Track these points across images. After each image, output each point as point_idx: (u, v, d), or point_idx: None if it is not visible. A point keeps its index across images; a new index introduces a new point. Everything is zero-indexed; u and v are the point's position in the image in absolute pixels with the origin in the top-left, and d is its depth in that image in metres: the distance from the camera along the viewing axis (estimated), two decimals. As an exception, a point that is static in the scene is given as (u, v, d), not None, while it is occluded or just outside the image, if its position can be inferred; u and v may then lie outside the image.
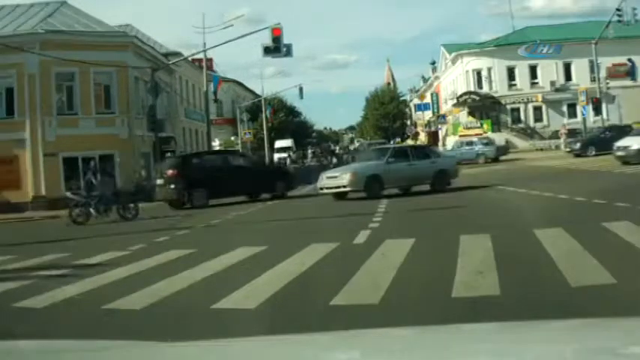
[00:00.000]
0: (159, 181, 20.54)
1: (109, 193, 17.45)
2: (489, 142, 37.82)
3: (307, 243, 9.57)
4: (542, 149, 42.18)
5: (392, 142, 77.43)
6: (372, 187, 17.77)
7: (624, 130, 30.18)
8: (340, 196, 18.19)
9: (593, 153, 30.48)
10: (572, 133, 37.39)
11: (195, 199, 19.37)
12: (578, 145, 32.60)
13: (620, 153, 23.24)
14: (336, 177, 18.60)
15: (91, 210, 16.84)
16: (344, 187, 18.02)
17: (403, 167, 18.48)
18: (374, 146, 34.68)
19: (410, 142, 60.54)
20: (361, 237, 10.08)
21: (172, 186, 19.54)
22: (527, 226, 9.56)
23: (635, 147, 22.46)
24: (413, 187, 19.06)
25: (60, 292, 7.29)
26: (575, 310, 4.97)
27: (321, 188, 18.84)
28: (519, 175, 23.50)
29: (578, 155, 31.26)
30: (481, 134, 42.45)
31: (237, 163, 22.13)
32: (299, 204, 19.37)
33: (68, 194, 18.29)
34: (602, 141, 31.27)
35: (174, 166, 20.54)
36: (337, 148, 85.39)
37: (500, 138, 43.38)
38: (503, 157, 36.51)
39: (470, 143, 37.54)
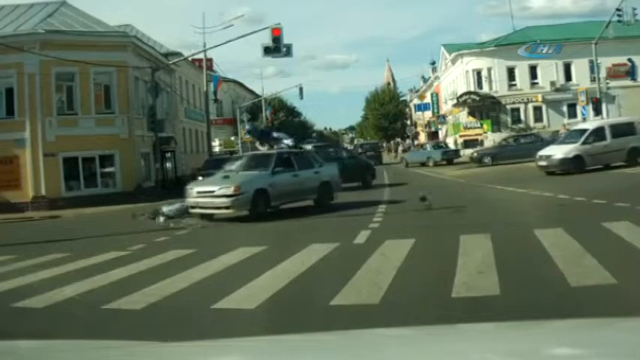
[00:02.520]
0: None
1: None
2: (439, 146, 42.48)
3: (307, 243, 9.58)
4: None
5: (392, 142, 77.63)
6: (257, 204, 14.25)
7: (540, 139, 32.01)
8: (210, 217, 14.64)
9: (490, 163, 32.17)
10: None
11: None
12: (476, 155, 34.87)
13: (542, 162, 22.10)
14: (212, 192, 14.32)
15: None
16: (226, 207, 14.11)
17: (289, 179, 15.29)
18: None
19: (409, 142, 60.43)
20: (361, 237, 10.09)
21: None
22: (527, 226, 9.57)
23: (558, 156, 21.50)
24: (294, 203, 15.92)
25: (60, 292, 7.30)
26: (575, 310, 4.98)
27: (192, 207, 14.84)
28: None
29: (479, 164, 33.01)
30: (481, 134, 42.70)
31: (340, 155, 24.44)
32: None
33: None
34: (502, 151, 33.27)
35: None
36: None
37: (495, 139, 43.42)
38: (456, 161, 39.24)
39: (422, 146, 45.38)
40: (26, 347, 2.36)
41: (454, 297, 5.77)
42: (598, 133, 21.71)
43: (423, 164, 38.85)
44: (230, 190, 14.01)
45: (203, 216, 14.63)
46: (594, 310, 4.95)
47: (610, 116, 35.37)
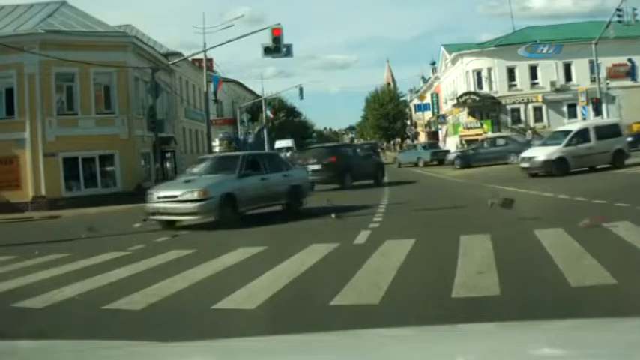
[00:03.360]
0: (314, 167, 22.49)
1: None
2: (429, 147, 43.94)
3: (307, 243, 9.58)
4: None
5: (392, 142, 77.66)
6: (225, 210, 13.19)
7: (517, 142, 32.70)
8: (172, 224, 13.49)
9: (459, 166, 32.75)
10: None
11: (347, 181, 22.60)
12: (449, 157, 35.81)
13: (524, 164, 21.80)
14: (175, 197, 13.22)
15: None
16: (191, 213, 13.05)
17: (257, 183, 14.31)
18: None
19: (410, 142, 60.37)
20: (361, 237, 10.08)
21: (332, 170, 22.40)
22: (527, 226, 9.56)
23: (540, 158, 21.19)
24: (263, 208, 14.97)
25: (60, 292, 7.30)
26: (575, 310, 4.97)
27: (152, 214, 13.59)
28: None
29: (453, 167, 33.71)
30: (481, 134, 42.76)
31: (362, 154, 26.28)
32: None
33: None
34: (474, 154, 33.79)
35: (330, 154, 23.46)
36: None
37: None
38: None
39: (414, 146, 47.29)
40: (26, 347, 2.36)
41: (454, 297, 5.77)
42: (582, 135, 21.32)
43: (415, 164, 39.33)
44: (195, 195, 12.94)
45: (164, 223, 13.45)
46: (594, 310, 4.95)
47: (610, 116, 35.40)
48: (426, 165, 38.12)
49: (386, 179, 25.68)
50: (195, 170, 15.04)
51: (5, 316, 6.43)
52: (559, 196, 14.15)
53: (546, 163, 20.88)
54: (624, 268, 6.28)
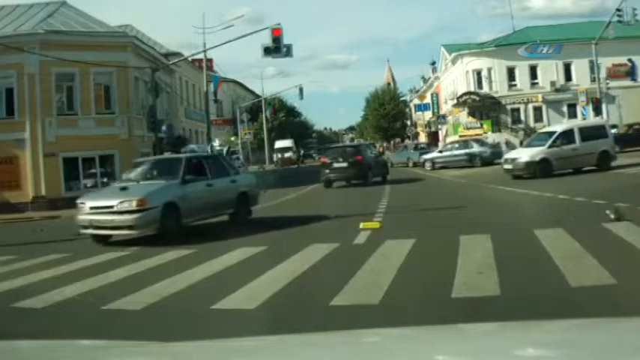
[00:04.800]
0: (341, 165, 24.05)
1: None
2: (419, 147, 44.47)
3: (307, 243, 9.57)
4: None
5: (392, 142, 77.63)
6: (167, 222, 11.50)
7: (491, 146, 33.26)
8: (105, 238, 11.79)
9: (430, 168, 32.99)
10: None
11: (369, 177, 23.91)
12: (420, 159, 36.04)
13: (507, 166, 21.42)
14: (110, 208, 11.45)
15: None
16: (128, 226, 11.30)
17: (202, 189, 12.68)
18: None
19: (408, 142, 60.36)
20: (361, 237, 10.08)
21: (357, 168, 23.80)
22: (528, 226, 9.56)
23: (523, 159, 20.78)
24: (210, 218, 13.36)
25: (60, 292, 7.31)
26: (575, 310, 4.97)
27: (84, 227, 11.80)
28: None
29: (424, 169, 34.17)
30: (481, 134, 42.75)
31: (374, 154, 28.18)
32: (299, 203, 19.36)
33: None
34: (439, 157, 33.91)
35: (356, 153, 24.82)
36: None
37: (501, 138, 43.53)
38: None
39: (405, 147, 48.84)
40: (26, 347, 2.36)
41: (454, 297, 5.77)
42: (566, 136, 21.00)
43: (405, 164, 39.72)
44: (133, 205, 11.24)
45: (97, 238, 11.79)
46: (594, 310, 4.95)
47: (610, 117, 35.40)
48: (415, 165, 38.43)
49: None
50: (132, 175, 13.10)
51: (5, 316, 6.43)
52: (559, 196, 14.14)
53: (529, 164, 20.58)
54: (624, 268, 6.28)
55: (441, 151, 35.14)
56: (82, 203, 12.16)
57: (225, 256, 9.14)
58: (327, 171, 24.42)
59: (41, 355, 2.12)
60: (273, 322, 5.47)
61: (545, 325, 2.31)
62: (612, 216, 9.61)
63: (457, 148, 34.06)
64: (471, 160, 31.98)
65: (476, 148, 32.90)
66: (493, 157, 31.68)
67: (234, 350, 2.07)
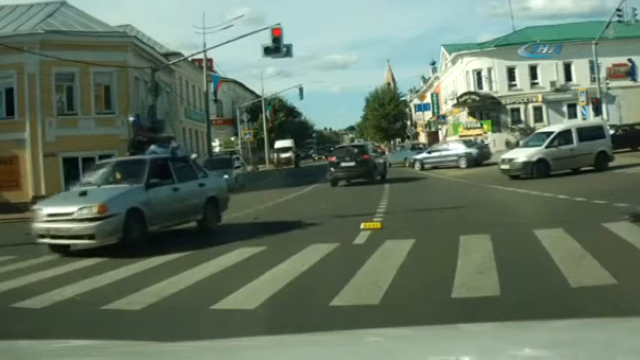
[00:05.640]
0: (349, 164, 24.58)
1: None
2: (416, 148, 44.71)
3: (307, 243, 9.57)
4: None
5: (391, 142, 77.63)
6: (131, 230, 10.67)
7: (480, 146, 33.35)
8: (64, 249, 10.93)
9: (418, 167, 33.30)
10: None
11: (375, 176, 24.90)
12: (410, 159, 36.69)
13: (504, 166, 21.24)
14: (69, 215, 10.47)
15: None
16: (88, 235, 10.36)
17: (168, 194, 11.76)
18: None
19: (408, 142, 60.36)
20: (361, 237, 10.07)
21: (364, 167, 24.48)
22: (527, 227, 9.56)
23: (520, 159, 20.64)
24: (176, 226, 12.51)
25: (60, 292, 7.31)
26: (575, 310, 4.97)
27: (41, 236, 10.78)
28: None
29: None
30: (481, 134, 42.80)
31: (376, 153, 28.94)
32: (299, 204, 19.36)
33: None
34: (426, 158, 34.13)
35: (363, 153, 25.45)
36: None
37: (501, 138, 43.59)
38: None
39: (403, 147, 49.31)
40: (26, 347, 2.36)
41: (454, 297, 5.77)
42: (564, 137, 20.92)
43: (402, 164, 39.64)
44: (93, 212, 10.29)
45: (54, 248, 10.91)
46: (594, 310, 4.95)
47: (610, 117, 35.41)
48: (410, 165, 38.59)
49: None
50: (92, 179, 12.08)
51: (5, 316, 6.43)
52: (559, 196, 14.14)
53: (526, 164, 20.51)
54: (624, 268, 6.27)
55: (430, 152, 35.21)
56: (39, 209, 11.12)
57: (225, 257, 9.14)
58: (335, 170, 24.96)
59: (41, 355, 2.12)
60: (273, 322, 5.46)
61: (545, 325, 2.31)
62: (626, 217, 9.62)
63: (445, 149, 34.10)
64: (458, 161, 31.84)
65: (463, 149, 32.78)
66: (481, 158, 31.76)
67: (233, 350, 2.07)
